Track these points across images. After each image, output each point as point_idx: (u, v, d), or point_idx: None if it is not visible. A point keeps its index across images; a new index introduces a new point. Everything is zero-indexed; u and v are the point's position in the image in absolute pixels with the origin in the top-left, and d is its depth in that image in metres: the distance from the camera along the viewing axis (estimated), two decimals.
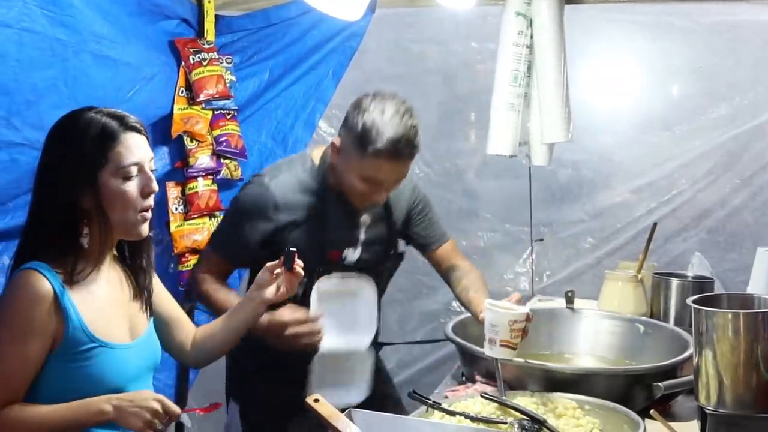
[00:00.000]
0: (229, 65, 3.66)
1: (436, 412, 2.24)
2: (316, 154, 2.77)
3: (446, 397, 2.52)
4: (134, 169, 2.04)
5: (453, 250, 3.00)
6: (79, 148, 2.01)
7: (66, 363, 2.01)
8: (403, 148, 2.51)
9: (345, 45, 3.78)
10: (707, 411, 2.08)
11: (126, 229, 2.07)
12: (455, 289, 2.91)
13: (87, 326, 2.02)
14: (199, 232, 3.60)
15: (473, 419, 2.17)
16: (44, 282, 1.97)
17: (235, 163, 3.72)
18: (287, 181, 2.70)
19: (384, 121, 2.48)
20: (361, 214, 2.75)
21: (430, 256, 2.99)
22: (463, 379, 2.79)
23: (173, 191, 3.58)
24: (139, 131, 2.09)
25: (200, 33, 3.60)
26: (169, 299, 2.43)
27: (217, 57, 3.57)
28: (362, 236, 2.77)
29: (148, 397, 1.99)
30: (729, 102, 3.84)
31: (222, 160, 3.65)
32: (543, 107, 3.16)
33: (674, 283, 3.30)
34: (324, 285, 2.69)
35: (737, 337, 2.00)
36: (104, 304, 2.09)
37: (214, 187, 3.65)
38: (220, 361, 3.79)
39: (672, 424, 2.35)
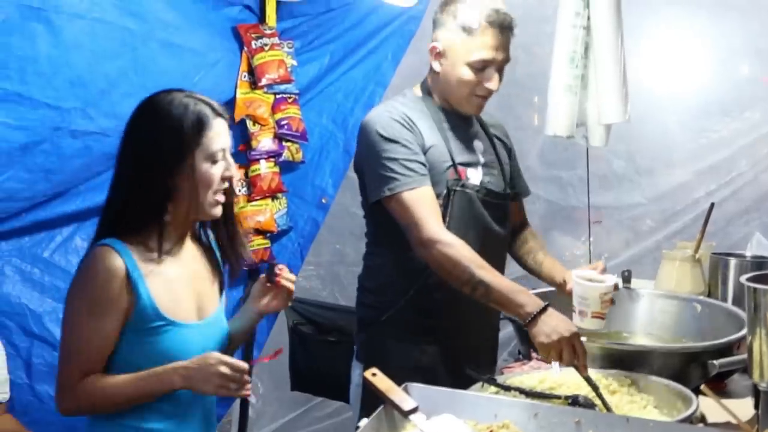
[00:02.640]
0: (290, 50, 3.75)
1: (491, 387, 2.29)
2: (415, 89, 2.80)
3: (502, 373, 2.57)
4: (221, 154, 2.12)
5: (523, 208, 3.01)
6: (177, 130, 2.06)
7: (135, 339, 2.07)
8: (505, 18, 2.60)
9: (403, 29, 3.84)
10: (760, 388, 2.09)
11: (204, 209, 2.13)
12: (519, 248, 2.91)
13: (156, 303, 2.07)
14: (261, 213, 3.71)
15: (527, 394, 2.22)
16: (117, 258, 2.03)
17: (297, 145, 3.80)
18: (404, 106, 2.70)
19: (478, 0, 2.60)
20: (474, 134, 2.78)
21: (509, 207, 2.89)
22: (520, 356, 2.84)
23: (237, 174, 3.68)
24: (224, 118, 2.16)
25: (262, 19, 3.68)
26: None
27: (278, 42, 3.65)
28: (481, 159, 2.77)
29: (212, 362, 2.00)
30: None
31: (284, 143, 3.74)
32: (600, 88, 3.16)
33: (732, 262, 3.27)
34: None
35: None
36: (174, 282, 2.13)
37: (276, 169, 3.75)
38: (282, 338, 3.93)
39: (727, 401, 2.36)
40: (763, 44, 3.81)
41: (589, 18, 3.15)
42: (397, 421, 1.94)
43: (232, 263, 2.31)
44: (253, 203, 3.71)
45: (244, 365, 2.03)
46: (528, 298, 2.42)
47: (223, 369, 1.99)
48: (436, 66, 2.69)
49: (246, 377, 2.03)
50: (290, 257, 4.00)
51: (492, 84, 2.65)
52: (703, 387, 2.10)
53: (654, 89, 4.05)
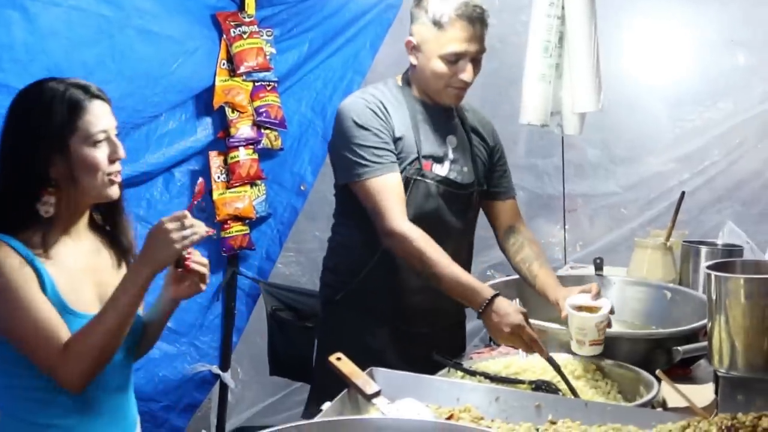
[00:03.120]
0: (270, 38, 3.77)
1: (458, 372, 2.33)
2: (397, 78, 2.84)
3: (471, 358, 2.62)
4: (102, 136, 2.06)
5: (516, 210, 3.00)
6: (48, 118, 2.01)
7: None
8: (474, 10, 2.63)
9: (381, 17, 3.87)
10: (719, 373, 2.13)
11: (97, 192, 2.08)
12: (513, 256, 2.90)
13: (60, 293, 2.02)
14: (240, 199, 3.73)
15: (492, 379, 2.26)
16: (13, 252, 1.98)
17: (276, 133, 3.83)
18: (382, 95, 2.76)
19: None
20: (448, 129, 2.81)
21: (493, 207, 2.96)
22: (490, 343, 2.88)
23: (216, 160, 3.71)
24: (103, 99, 2.10)
25: (241, 6, 3.70)
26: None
27: (257, 30, 3.67)
28: (450, 155, 2.80)
29: (155, 231, 1.98)
30: (761, 74, 3.83)
31: (262, 131, 3.77)
32: (574, 77, 3.20)
33: (703, 250, 3.31)
34: None
35: (749, 302, 2.03)
36: (73, 273, 2.08)
37: (255, 156, 3.78)
38: (260, 324, 3.96)
39: (691, 386, 2.43)
40: (738, 35, 3.85)
41: (563, 8, 3.19)
42: (361, 404, 1.98)
43: (120, 247, 2.24)
44: (232, 190, 3.73)
45: (182, 212, 1.99)
46: (475, 293, 2.50)
47: (169, 225, 1.97)
48: (413, 59, 2.74)
49: (190, 219, 1.99)
50: (269, 243, 4.03)
51: (466, 75, 2.69)
52: (658, 372, 2.14)
53: (628, 79, 4.09)
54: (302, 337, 3.84)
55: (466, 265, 2.85)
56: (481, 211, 2.98)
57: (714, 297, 2.10)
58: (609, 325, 2.44)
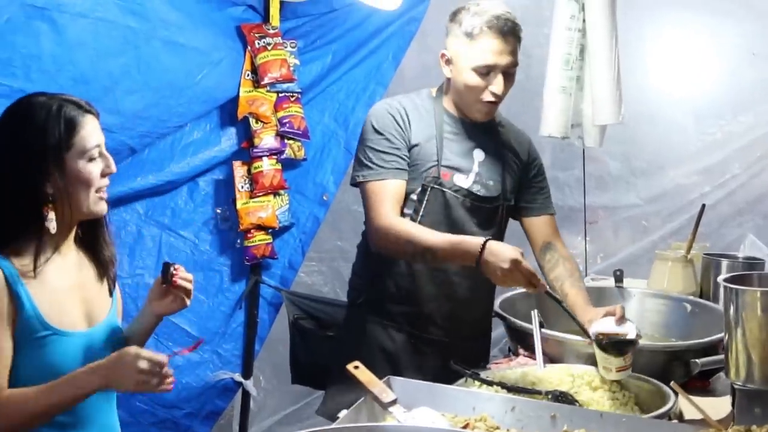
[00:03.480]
0: (293, 49, 3.80)
1: (475, 382, 2.35)
2: (432, 89, 2.91)
3: (489, 368, 2.63)
4: (96, 151, 2.08)
5: (554, 228, 3.00)
6: (43, 134, 2.01)
7: (21, 351, 2.01)
8: (505, 24, 2.69)
9: (404, 29, 3.89)
10: (736, 386, 2.13)
11: (88, 209, 2.09)
12: (548, 273, 2.90)
13: (41, 313, 2.01)
14: (263, 209, 3.77)
15: (509, 389, 2.28)
16: None
17: (299, 143, 3.86)
18: (409, 102, 2.83)
19: (483, 9, 2.70)
20: (477, 143, 2.84)
21: (528, 223, 2.98)
22: (510, 353, 2.89)
23: (239, 170, 3.75)
24: (94, 114, 2.12)
25: (266, 18, 3.73)
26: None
27: (281, 41, 3.71)
28: (476, 168, 2.83)
29: (129, 359, 1.96)
30: None
31: (286, 141, 3.80)
32: (594, 90, 3.21)
33: (724, 263, 3.32)
34: None
35: (765, 315, 2.04)
36: (58, 290, 2.08)
37: (279, 166, 3.80)
38: (283, 332, 3.99)
39: (710, 399, 2.44)
40: (758, 48, 3.85)
41: (584, 21, 3.20)
42: (377, 412, 2.00)
43: (102, 262, 2.24)
44: (255, 199, 3.76)
45: (163, 358, 1.98)
46: (468, 244, 2.51)
47: (142, 364, 1.95)
48: (447, 72, 2.81)
49: (167, 370, 1.98)
50: (291, 253, 4.06)
51: (496, 88, 2.73)
52: (672, 383, 2.15)
53: (649, 92, 4.11)
54: (324, 346, 3.85)
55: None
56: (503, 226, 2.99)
57: (731, 310, 2.11)
58: (635, 349, 2.41)
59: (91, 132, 2.08)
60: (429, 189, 2.75)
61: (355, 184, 2.81)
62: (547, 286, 2.41)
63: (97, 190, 2.09)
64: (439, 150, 2.76)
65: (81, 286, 2.16)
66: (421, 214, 2.75)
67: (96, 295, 2.19)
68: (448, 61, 2.79)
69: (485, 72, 2.71)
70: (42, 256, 2.05)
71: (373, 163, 2.73)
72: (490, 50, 2.69)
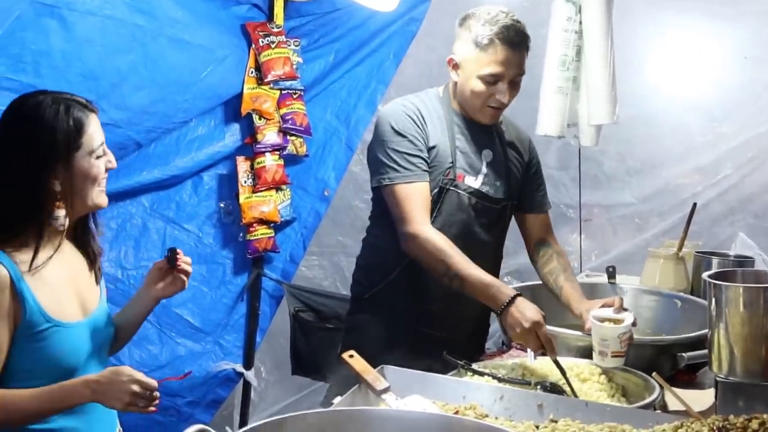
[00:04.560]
0: (297, 48, 3.87)
1: (467, 372, 2.42)
2: (439, 89, 2.95)
3: (482, 360, 2.71)
4: (101, 149, 2.14)
5: (548, 225, 3.07)
6: (53, 135, 2.05)
7: (25, 345, 2.05)
8: (515, 35, 2.74)
9: (405, 29, 3.96)
10: (718, 379, 2.20)
11: (92, 202, 2.15)
12: (542, 268, 2.96)
13: (42, 307, 2.06)
14: (266, 203, 3.85)
15: (500, 380, 2.35)
16: (1, 268, 2.01)
17: (301, 140, 3.94)
18: (422, 103, 2.87)
19: (492, 16, 2.74)
20: (484, 144, 2.88)
21: (525, 220, 3.05)
22: (503, 346, 2.97)
23: (243, 165, 3.83)
24: (95, 112, 2.17)
25: (270, 17, 3.81)
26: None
27: (285, 40, 3.79)
28: (484, 169, 2.88)
29: (124, 379, 1.99)
30: None
31: (288, 137, 3.88)
32: (590, 90, 3.26)
33: (715, 261, 3.38)
34: None
35: (747, 310, 2.11)
36: (56, 283, 2.12)
37: (281, 162, 3.89)
38: (284, 324, 4.06)
39: (697, 391, 2.50)
40: (750, 52, 3.91)
41: (581, 23, 3.26)
42: (371, 399, 2.08)
43: (88, 252, 2.28)
44: (258, 194, 3.84)
45: (154, 383, 2.02)
46: (499, 291, 2.57)
47: (135, 387, 1.99)
48: (454, 76, 2.85)
49: (156, 394, 2.02)
50: (293, 247, 4.14)
51: (502, 96, 2.78)
52: (654, 375, 2.22)
53: (644, 93, 4.17)
54: (324, 338, 3.94)
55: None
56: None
57: (714, 305, 2.17)
58: (631, 338, 2.48)
59: (96, 130, 2.14)
60: (446, 191, 2.80)
61: (376, 186, 2.82)
62: (557, 356, 2.47)
63: (100, 183, 2.16)
64: (453, 151, 2.82)
65: (75, 277, 2.22)
66: (434, 215, 2.78)
67: (87, 285, 2.25)
68: (456, 66, 2.82)
69: (492, 81, 2.75)
70: (42, 252, 2.09)
71: (399, 166, 2.74)
72: (499, 61, 2.73)
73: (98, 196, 2.17)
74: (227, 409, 4.28)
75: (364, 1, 3.03)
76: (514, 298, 2.54)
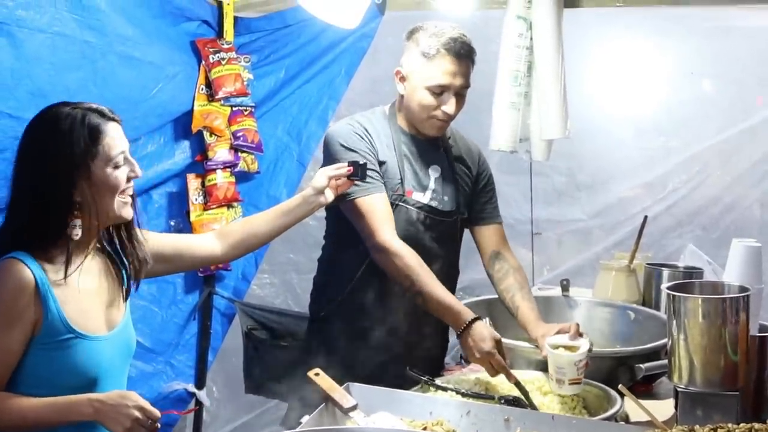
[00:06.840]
0: (247, 64, 3.85)
1: (430, 387, 2.43)
2: (385, 107, 2.98)
3: (442, 374, 2.71)
4: (121, 158, 2.14)
5: (502, 237, 3.08)
6: (70, 144, 2.07)
7: (43, 352, 2.06)
8: (461, 47, 2.78)
9: (356, 46, 3.95)
10: (679, 389, 2.24)
11: (114, 213, 2.15)
12: (498, 283, 2.98)
13: (65, 316, 2.07)
14: (217, 221, 3.80)
15: (463, 394, 2.36)
16: (26, 271, 2.02)
17: (252, 156, 3.91)
18: (368, 122, 2.90)
19: (439, 29, 2.79)
20: (432, 160, 2.91)
21: (478, 232, 3.07)
22: (462, 360, 2.98)
23: (193, 183, 3.78)
24: (117, 121, 2.18)
25: (220, 34, 3.78)
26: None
27: (235, 56, 3.76)
28: (432, 184, 2.91)
29: (129, 404, 2.00)
30: (720, 106, 3.99)
31: (239, 154, 3.84)
32: (542, 105, 3.32)
33: (665, 272, 3.45)
34: None
35: (706, 321, 2.16)
36: (83, 294, 2.13)
37: (232, 179, 3.85)
38: (236, 343, 4.01)
39: (653, 402, 2.54)
40: (697, 67, 4.01)
41: (532, 39, 3.31)
42: (339, 418, 2.07)
43: (134, 262, 2.29)
44: (209, 211, 3.80)
45: (158, 414, 2.04)
46: (458, 314, 2.61)
47: (138, 414, 1.99)
48: (401, 89, 2.88)
49: (157, 425, 2.04)
50: (245, 264, 4.09)
51: (449, 108, 2.82)
52: (621, 387, 2.25)
53: (594, 108, 4.25)
54: (277, 356, 3.90)
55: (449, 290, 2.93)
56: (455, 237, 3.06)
57: (673, 316, 2.22)
58: (587, 364, 2.49)
59: (115, 139, 2.13)
60: (396, 206, 2.83)
61: (332, 205, 2.80)
62: (516, 379, 2.49)
63: (122, 194, 2.14)
64: (401, 168, 2.85)
65: (103, 290, 2.22)
66: None
67: (114, 299, 2.25)
68: (403, 78, 2.86)
69: (438, 92, 2.79)
70: (72, 263, 2.09)
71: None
72: (445, 71, 2.77)
73: (121, 207, 2.16)
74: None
75: (326, 17, 3.02)
76: (471, 322, 2.57)
